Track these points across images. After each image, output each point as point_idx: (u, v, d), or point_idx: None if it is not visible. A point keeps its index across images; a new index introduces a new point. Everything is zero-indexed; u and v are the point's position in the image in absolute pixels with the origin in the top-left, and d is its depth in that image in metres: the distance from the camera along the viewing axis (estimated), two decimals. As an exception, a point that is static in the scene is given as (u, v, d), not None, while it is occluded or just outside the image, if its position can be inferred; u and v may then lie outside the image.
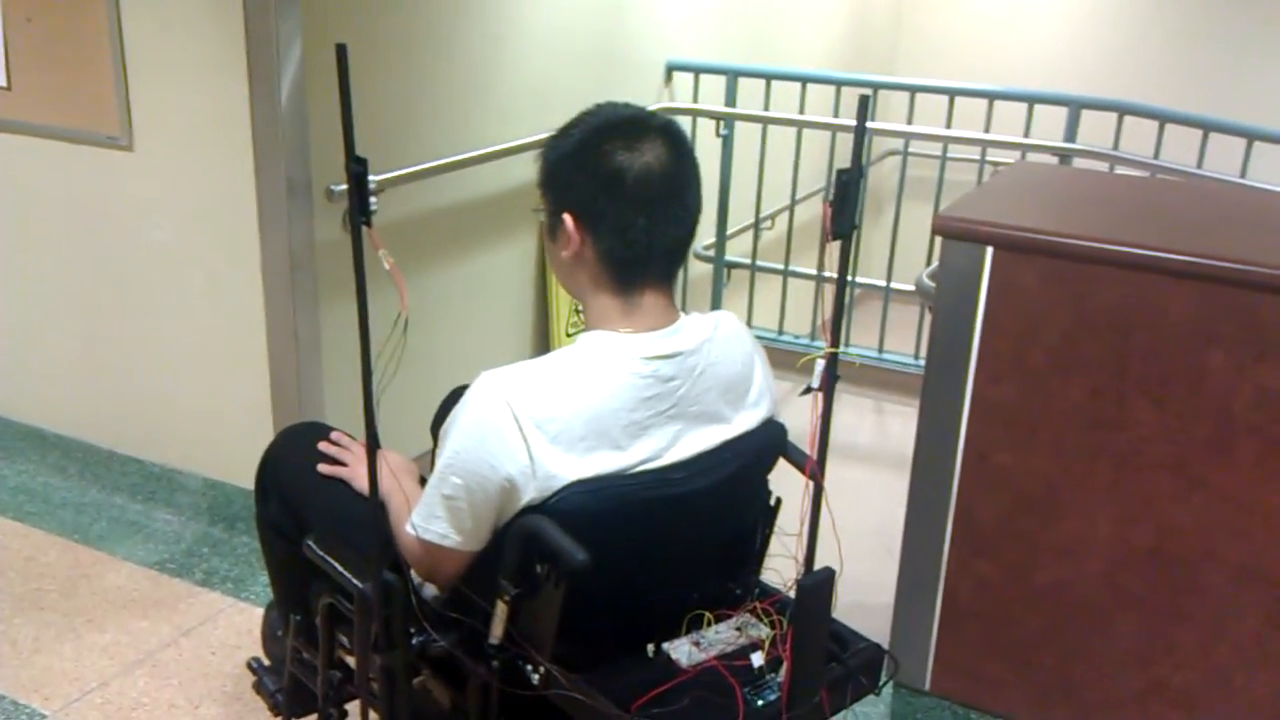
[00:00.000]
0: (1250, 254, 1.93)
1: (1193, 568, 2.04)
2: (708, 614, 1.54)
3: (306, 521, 1.78)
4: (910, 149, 4.75)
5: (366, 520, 1.48)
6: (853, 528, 1.50)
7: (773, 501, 1.66)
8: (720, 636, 1.52)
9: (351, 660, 1.67)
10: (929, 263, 3.70)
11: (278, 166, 2.54)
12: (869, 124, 3.30)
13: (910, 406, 2.57)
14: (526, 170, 1.67)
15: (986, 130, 4.08)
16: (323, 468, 1.82)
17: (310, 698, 1.81)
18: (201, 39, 2.56)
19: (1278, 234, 2.29)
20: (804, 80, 4.26)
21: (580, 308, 1.61)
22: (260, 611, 2.50)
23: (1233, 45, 5.68)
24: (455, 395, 1.65)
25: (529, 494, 1.40)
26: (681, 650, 1.49)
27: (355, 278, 1.35)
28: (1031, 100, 3.97)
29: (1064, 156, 3.83)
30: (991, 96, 4.06)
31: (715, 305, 4.49)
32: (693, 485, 1.47)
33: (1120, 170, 3.71)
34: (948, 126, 4.12)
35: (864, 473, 3.69)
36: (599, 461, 1.41)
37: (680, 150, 1.47)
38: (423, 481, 1.57)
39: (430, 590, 1.64)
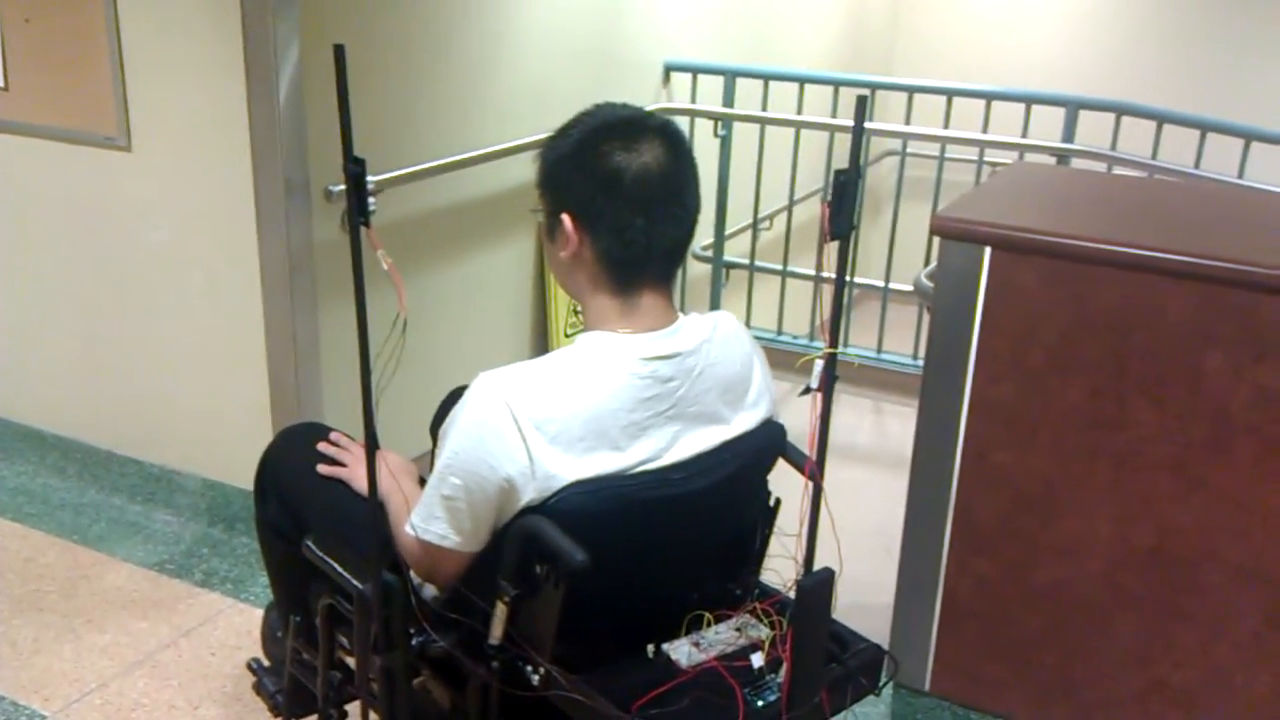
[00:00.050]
0: (1248, 254, 1.93)
1: (1192, 567, 2.05)
2: (707, 614, 1.54)
3: (306, 522, 1.78)
4: (908, 149, 4.75)
5: (366, 521, 1.48)
6: (852, 528, 1.50)
7: (772, 502, 1.66)
8: (720, 637, 1.52)
9: (351, 661, 1.67)
10: (927, 263, 3.70)
11: (276, 167, 2.54)
12: (867, 124, 3.30)
13: (909, 407, 2.56)
14: (525, 170, 1.67)
15: (984, 131, 4.08)
16: (322, 468, 1.82)
17: (310, 698, 1.81)
18: (199, 39, 2.56)
19: (1276, 234, 2.29)
20: (802, 81, 4.26)
21: (579, 308, 1.60)
22: (260, 612, 2.50)
23: (1230, 46, 5.69)
24: (454, 396, 1.65)
25: (528, 494, 1.40)
26: (681, 651, 1.49)
27: (354, 278, 1.35)
28: (1029, 101, 3.97)
29: (1062, 157, 3.83)
30: (989, 97, 4.06)
31: (714, 306, 4.49)
32: (692, 486, 1.47)
33: (1118, 171, 3.71)
34: (946, 127, 4.12)
35: (863, 473, 3.69)
36: (598, 462, 1.41)
37: (678, 151, 1.47)
38: (422, 482, 1.57)
39: (430, 591, 1.64)
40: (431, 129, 3.00)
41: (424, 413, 1.91)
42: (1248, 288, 1.89)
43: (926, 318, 2.22)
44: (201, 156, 2.66)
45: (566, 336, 3.64)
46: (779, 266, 4.46)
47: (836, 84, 4.34)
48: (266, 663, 2.13)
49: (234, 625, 2.55)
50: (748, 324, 4.09)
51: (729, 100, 4.23)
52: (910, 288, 3.20)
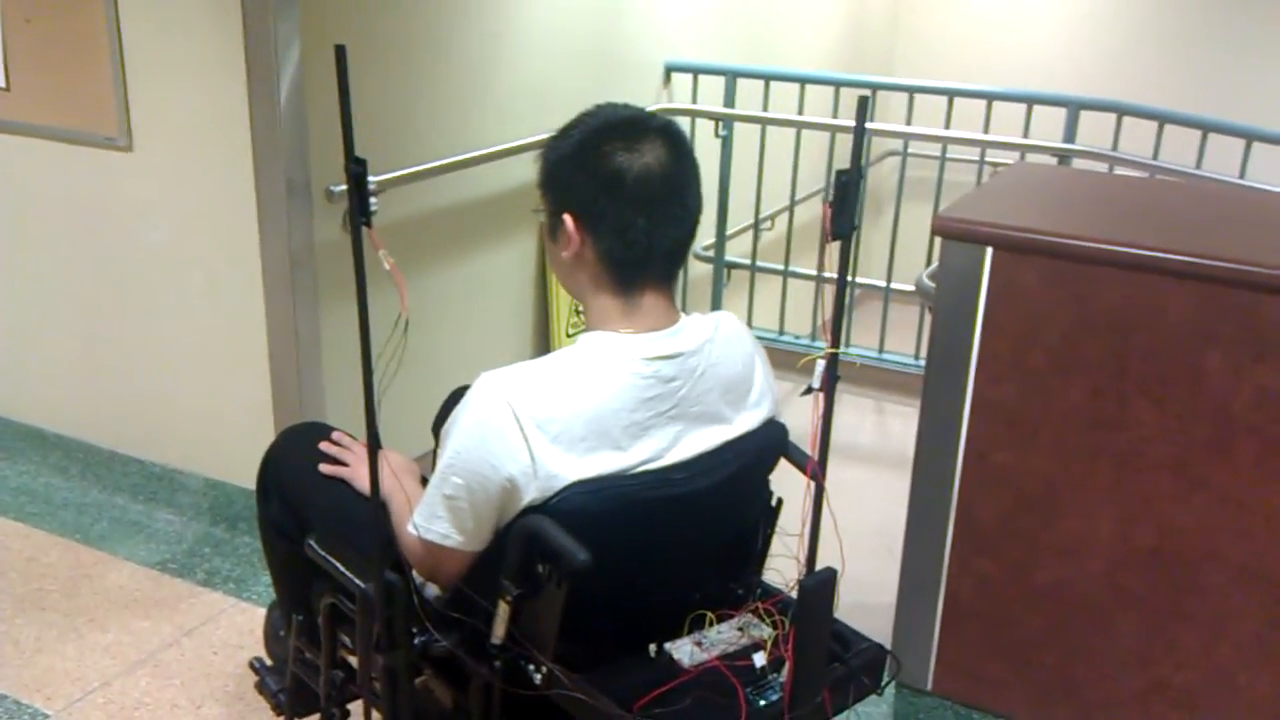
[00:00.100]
0: (1249, 254, 1.93)
1: (1193, 567, 2.05)
2: (710, 614, 1.54)
3: (308, 521, 1.78)
4: (909, 150, 4.75)
5: (368, 520, 1.49)
6: (854, 528, 1.50)
7: (774, 502, 1.66)
8: (722, 636, 1.52)
9: (354, 660, 1.67)
10: (929, 263, 3.70)
11: (277, 167, 2.54)
12: (868, 125, 3.30)
13: (911, 406, 2.57)
14: (526, 170, 1.67)
15: (985, 131, 4.08)
16: (324, 468, 1.82)
17: (312, 698, 1.81)
18: (200, 39, 2.56)
19: (1276, 234, 2.29)
20: (803, 81, 4.27)
21: (580, 308, 1.61)
22: (262, 611, 2.50)
23: (1231, 46, 5.69)
24: (456, 395, 1.65)
25: (530, 494, 1.40)
26: (683, 650, 1.49)
27: (355, 278, 1.35)
28: (1030, 101, 3.97)
29: (1063, 157, 3.83)
30: (990, 97, 4.06)
31: (715, 306, 4.49)
32: (694, 486, 1.47)
33: (1119, 171, 3.71)
34: (947, 127, 4.12)
35: (865, 473, 3.69)
36: (600, 462, 1.42)
37: (680, 151, 1.47)
38: (424, 482, 1.57)
39: (432, 590, 1.64)
40: (432, 129, 3.01)
41: (426, 412, 1.91)
42: (1249, 288, 1.89)
43: (928, 318, 2.22)
44: (202, 156, 2.66)
45: (568, 336, 3.65)
46: (780, 266, 4.46)
47: (837, 84, 4.34)
48: (269, 662, 2.13)
49: (236, 624, 2.56)
50: (749, 324, 4.09)
51: (730, 101, 4.23)
52: (912, 288, 3.21)
